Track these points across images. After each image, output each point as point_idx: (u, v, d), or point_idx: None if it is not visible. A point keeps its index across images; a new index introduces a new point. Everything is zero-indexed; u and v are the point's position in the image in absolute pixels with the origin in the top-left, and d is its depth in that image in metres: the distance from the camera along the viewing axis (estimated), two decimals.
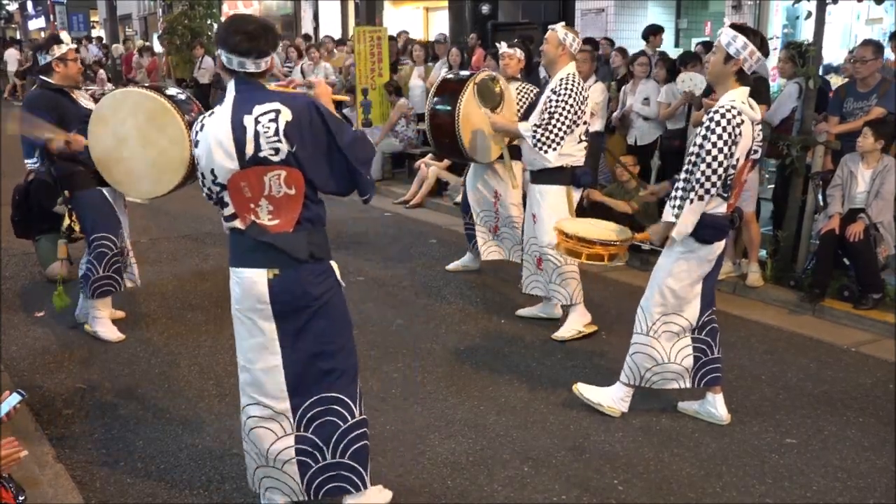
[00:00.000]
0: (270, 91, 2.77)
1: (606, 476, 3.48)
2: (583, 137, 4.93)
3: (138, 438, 3.77)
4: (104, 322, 4.92)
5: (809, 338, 5.15)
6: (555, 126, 4.72)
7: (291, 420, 2.91)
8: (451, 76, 6.07)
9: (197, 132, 2.79)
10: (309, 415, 2.90)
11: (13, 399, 2.57)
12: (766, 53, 3.57)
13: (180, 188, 4.63)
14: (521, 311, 5.43)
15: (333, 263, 2.89)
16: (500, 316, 5.46)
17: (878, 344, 5.05)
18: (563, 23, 5.02)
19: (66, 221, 4.88)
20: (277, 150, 2.66)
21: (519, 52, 5.87)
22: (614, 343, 4.88)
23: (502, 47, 6.01)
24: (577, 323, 5.08)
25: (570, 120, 4.73)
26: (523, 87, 5.90)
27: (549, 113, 4.73)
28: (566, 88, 4.73)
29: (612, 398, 4.01)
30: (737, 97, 3.54)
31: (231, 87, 2.77)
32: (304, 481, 2.96)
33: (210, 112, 2.81)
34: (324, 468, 2.94)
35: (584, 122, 4.90)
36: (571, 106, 4.72)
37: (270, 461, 2.96)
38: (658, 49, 8.49)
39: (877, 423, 4.00)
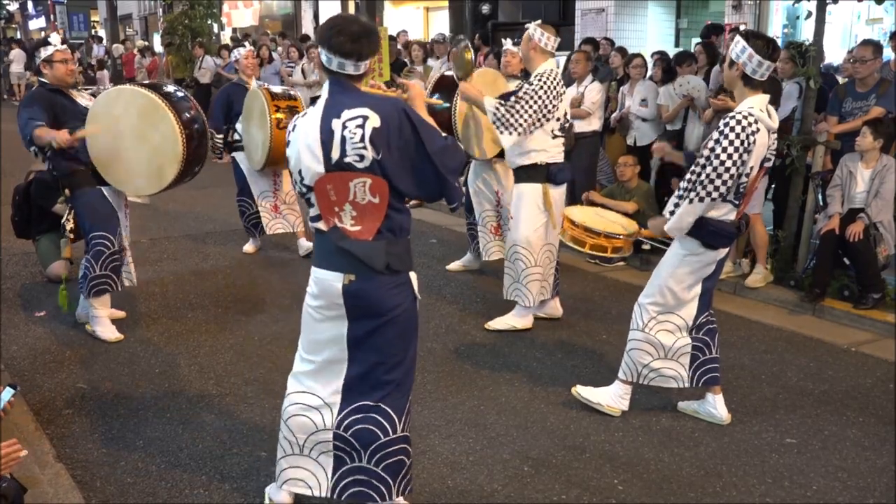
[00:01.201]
0: (362, 94, 2.74)
1: (606, 476, 3.49)
2: (556, 133, 4.91)
3: (138, 438, 3.77)
4: (102, 321, 4.92)
5: (809, 337, 5.15)
6: (518, 111, 4.70)
7: (333, 417, 2.89)
8: (448, 73, 6.08)
9: (289, 132, 2.80)
10: (351, 418, 2.87)
11: (6, 394, 2.55)
12: (773, 59, 3.55)
13: (177, 185, 4.63)
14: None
15: (412, 275, 2.85)
16: (500, 315, 5.45)
17: (877, 344, 5.05)
18: (539, 21, 5.00)
19: (66, 221, 4.90)
20: (362, 157, 2.64)
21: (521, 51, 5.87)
22: (614, 343, 4.88)
23: (507, 44, 6.02)
24: (515, 322, 5.13)
25: (536, 111, 4.71)
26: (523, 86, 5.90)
27: (517, 97, 4.73)
28: (539, 80, 4.75)
29: (612, 397, 4.01)
30: (755, 104, 3.53)
31: (325, 88, 2.78)
32: (335, 477, 2.94)
33: (303, 113, 2.81)
34: (357, 470, 2.91)
35: (557, 119, 4.88)
36: (541, 98, 4.71)
37: (306, 450, 2.95)
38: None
39: (877, 422, 4.00)
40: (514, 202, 5.11)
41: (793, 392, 4.34)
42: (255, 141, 6.26)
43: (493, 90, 5.28)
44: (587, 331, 5.22)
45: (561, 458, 3.63)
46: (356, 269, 2.73)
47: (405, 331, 2.85)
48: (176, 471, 3.49)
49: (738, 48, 3.55)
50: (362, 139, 2.63)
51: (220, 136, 6.62)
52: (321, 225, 2.79)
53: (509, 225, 5.27)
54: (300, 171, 2.75)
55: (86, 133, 4.45)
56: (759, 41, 3.55)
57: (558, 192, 5.06)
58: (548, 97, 4.74)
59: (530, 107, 4.71)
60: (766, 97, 3.62)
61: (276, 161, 6.10)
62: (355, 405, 2.87)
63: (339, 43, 2.67)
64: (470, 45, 5.46)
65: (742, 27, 8.94)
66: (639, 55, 7.91)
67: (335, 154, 2.66)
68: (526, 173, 4.98)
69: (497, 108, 4.74)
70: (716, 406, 3.95)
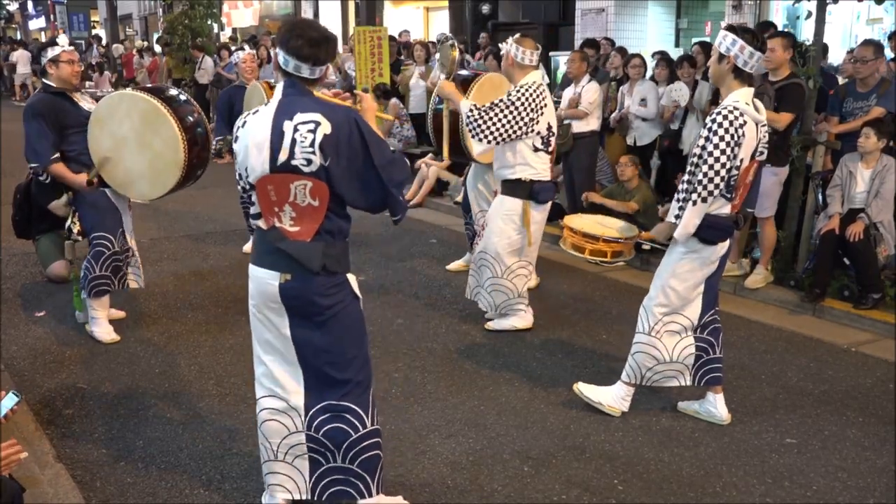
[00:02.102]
0: (316, 100, 2.76)
1: (606, 476, 3.49)
2: (538, 147, 4.83)
3: (138, 438, 3.77)
4: (100, 322, 4.92)
5: (809, 337, 5.15)
6: (491, 118, 4.66)
7: (302, 418, 2.91)
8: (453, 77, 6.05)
9: (238, 128, 2.81)
10: (319, 419, 2.89)
11: (9, 401, 2.55)
12: (761, 49, 3.57)
13: (179, 190, 4.63)
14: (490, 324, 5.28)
15: (350, 276, 2.88)
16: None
17: (877, 344, 5.05)
18: (517, 35, 4.94)
19: (69, 222, 4.90)
20: (309, 161, 2.66)
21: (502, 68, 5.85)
22: (614, 343, 4.89)
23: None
24: (516, 322, 5.12)
25: (510, 121, 4.66)
26: None
27: (493, 104, 4.70)
28: (517, 92, 4.71)
29: (613, 397, 4.01)
30: (740, 98, 3.54)
31: (279, 88, 2.79)
32: (313, 479, 2.96)
33: (255, 111, 2.83)
34: (332, 470, 2.94)
35: (539, 133, 4.79)
36: (517, 108, 4.66)
37: (280, 455, 2.96)
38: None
39: (877, 422, 4.00)
40: (491, 210, 5.09)
41: (793, 392, 4.34)
42: None
43: (498, 95, 5.27)
44: (587, 331, 5.21)
45: (561, 458, 3.63)
46: (293, 268, 2.76)
47: (350, 328, 2.88)
48: (176, 471, 3.49)
49: (727, 41, 3.55)
50: (312, 144, 2.65)
51: (228, 137, 6.62)
52: (261, 223, 2.82)
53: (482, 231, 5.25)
54: (246, 168, 2.77)
55: (100, 172, 4.54)
56: (747, 34, 3.57)
57: (539, 212, 4.98)
58: (525, 109, 4.68)
59: (504, 116, 4.66)
60: (751, 90, 3.62)
61: None
62: (321, 405, 2.89)
63: (296, 46, 2.69)
64: (456, 43, 5.41)
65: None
66: (637, 55, 7.92)
67: (283, 156, 2.68)
68: (509, 187, 4.94)
69: (471, 112, 4.70)
70: (716, 405, 3.95)
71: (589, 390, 4.08)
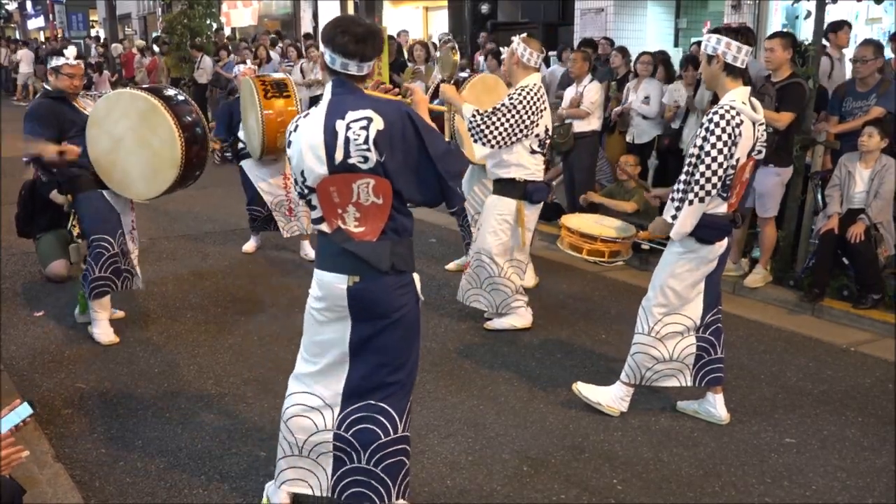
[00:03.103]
0: (366, 96, 2.74)
1: (605, 475, 3.49)
2: (535, 149, 4.86)
3: (138, 438, 3.77)
4: (100, 323, 4.91)
5: (809, 337, 5.15)
6: (493, 122, 4.68)
7: (335, 418, 2.89)
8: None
9: (290, 132, 2.78)
10: (352, 417, 2.87)
11: (24, 411, 2.49)
12: (748, 43, 3.57)
13: (177, 189, 4.63)
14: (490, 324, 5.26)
15: (416, 276, 2.86)
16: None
17: (877, 344, 5.05)
18: (524, 34, 4.96)
19: (69, 224, 4.90)
20: (366, 159, 2.64)
21: (505, 65, 5.85)
22: (614, 343, 4.89)
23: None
24: (515, 321, 5.12)
25: (513, 125, 4.69)
26: None
27: (495, 108, 4.71)
28: (519, 95, 4.72)
29: (612, 397, 4.01)
30: (737, 97, 3.55)
31: (328, 88, 2.77)
32: (335, 477, 2.94)
33: (305, 113, 2.80)
34: (355, 470, 2.91)
35: (537, 135, 4.83)
36: (518, 112, 4.69)
37: (305, 451, 2.95)
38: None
39: (876, 422, 4.00)
40: (484, 212, 5.09)
41: (792, 392, 4.34)
42: (251, 129, 6.23)
43: (493, 97, 5.27)
44: (587, 331, 5.21)
45: (560, 457, 3.63)
46: (361, 270, 2.73)
47: (409, 332, 2.85)
48: (175, 471, 3.49)
49: (712, 42, 3.57)
50: (366, 141, 2.62)
51: (225, 143, 6.64)
52: (324, 227, 2.78)
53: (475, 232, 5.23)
54: (302, 172, 2.74)
55: (68, 148, 4.50)
56: (731, 31, 3.58)
57: (532, 212, 5.02)
58: (526, 112, 4.71)
59: (507, 120, 4.68)
60: (748, 89, 3.62)
61: (273, 141, 5.99)
62: (357, 405, 2.87)
63: (343, 43, 2.66)
64: (456, 46, 5.39)
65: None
66: (646, 53, 7.91)
67: (339, 155, 2.65)
68: (502, 187, 4.95)
69: (474, 117, 4.71)
70: (715, 405, 3.95)
71: (588, 390, 4.08)
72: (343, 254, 2.73)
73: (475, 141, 4.73)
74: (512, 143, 4.77)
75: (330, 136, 2.66)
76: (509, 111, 4.68)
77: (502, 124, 4.68)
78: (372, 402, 2.86)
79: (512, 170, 4.88)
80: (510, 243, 4.99)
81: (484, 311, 5.23)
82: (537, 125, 4.79)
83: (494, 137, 4.70)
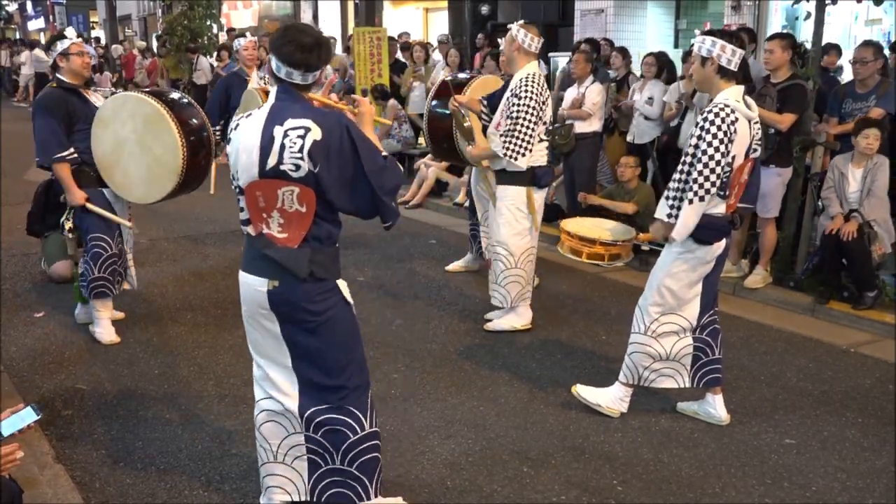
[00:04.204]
0: (308, 106, 2.75)
1: (605, 476, 3.49)
2: (542, 137, 4.92)
3: (138, 439, 3.77)
4: (102, 322, 4.92)
5: (809, 338, 5.15)
6: (520, 132, 4.73)
7: (299, 421, 2.91)
8: (450, 78, 6.06)
9: (231, 130, 2.81)
10: (317, 420, 2.89)
11: (28, 415, 2.49)
12: (742, 46, 3.58)
13: (176, 196, 4.64)
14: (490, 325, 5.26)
15: (341, 282, 2.86)
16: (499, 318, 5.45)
17: (877, 344, 5.05)
18: (522, 21, 5.01)
19: (63, 218, 4.90)
20: (298, 167, 2.65)
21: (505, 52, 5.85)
22: (614, 343, 4.88)
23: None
24: (515, 321, 5.13)
25: (533, 123, 4.73)
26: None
27: (513, 120, 4.74)
28: (525, 90, 4.74)
29: (612, 398, 4.01)
30: (730, 96, 3.55)
31: (273, 93, 2.78)
32: (311, 480, 2.96)
33: (248, 113, 2.82)
34: (331, 472, 2.93)
35: (545, 123, 4.88)
36: (533, 108, 4.72)
37: (280, 457, 2.96)
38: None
39: (876, 423, 4.00)
40: (497, 204, 5.10)
41: (792, 393, 4.34)
42: None
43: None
44: (586, 331, 5.21)
45: (560, 458, 3.63)
46: (280, 275, 2.75)
47: (341, 335, 2.86)
48: (175, 471, 3.49)
49: (707, 45, 3.58)
50: (301, 150, 2.64)
51: (217, 128, 6.59)
52: (250, 229, 2.81)
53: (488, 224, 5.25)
54: (236, 172, 2.77)
55: (100, 212, 4.64)
56: (724, 35, 3.61)
57: (541, 196, 5.08)
58: (537, 104, 4.75)
59: (528, 121, 4.72)
60: (741, 88, 3.63)
61: None
62: (318, 407, 2.88)
63: (288, 52, 2.68)
64: (468, 115, 5.41)
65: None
66: (650, 54, 7.91)
67: (272, 160, 2.67)
68: (510, 176, 4.97)
69: (504, 144, 4.77)
70: (715, 406, 3.95)
71: (587, 392, 4.07)
72: (264, 258, 2.76)
73: (516, 158, 4.77)
74: (538, 140, 4.81)
75: (266, 140, 2.68)
76: (525, 112, 4.71)
77: (526, 128, 4.73)
78: (331, 404, 2.88)
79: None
80: (527, 231, 5.02)
81: (483, 310, 5.23)
82: (545, 112, 4.84)
83: (527, 143, 4.75)
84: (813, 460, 3.64)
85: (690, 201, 3.55)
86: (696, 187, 3.53)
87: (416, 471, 3.50)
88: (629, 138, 7.68)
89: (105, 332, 4.90)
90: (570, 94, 7.48)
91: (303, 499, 3.01)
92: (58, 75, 4.72)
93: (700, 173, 3.51)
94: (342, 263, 2.99)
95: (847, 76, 6.97)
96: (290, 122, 2.66)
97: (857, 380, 4.52)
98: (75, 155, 4.58)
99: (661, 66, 7.66)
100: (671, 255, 3.78)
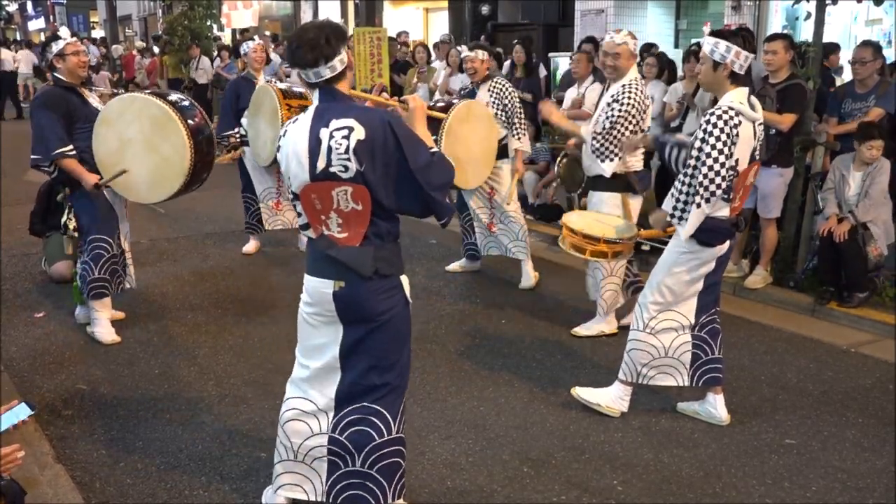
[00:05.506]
0: (350, 104, 2.75)
1: (606, 476, 3.49)
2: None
3: (138, 439, 3.77)
4: (102, 322, 4.92)
5: (809, 338, 5.15)
6: (615, 137, 4.65)
7: (329, 421, 2.91)
8: (441, 104, 5.87)
9: (280, 137, 2.82)
10: (347, 420, 2.89)
11: (22, 411, 2.49)
12: (751, 50, 3.58)
13: (179, 196, 4.64)
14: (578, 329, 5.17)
15: (404, 278, 2.87)
16: (500, 316, 5.46)
17: (877, 344, 5.05)
18: (625, 31, 4.88)
19: (65, 218, 4.90)
20: (346, 168, 2.65)
21: (482, 54, 5.81)
22: (614, 343, 4.88)
23: (464, 51, 5.97)
24: (605, 327, 5.07)
25: (629, 130, 4.65)
26: (495, 84, 5.79)
27: (612, 122, 4.65)
28: (628, 97, 4.64)
29: (611, 397, 4.01)
30: (735, 98, 3.55)
31: (315, 97, 2.79)
32: (329, 482, 2.96)
33: (294, 119, 2.83)
34: (350, 474, 2.92)
35: (642, 131, 4.75)
36: (633, 116, 4.64)
37: (300, 456, 2.96)
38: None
39: (876, 423, 4.00)
40: (593, 207, 4.99)
41: (792, 393, 4.34)
42: (263, 137, 6.18)
43: (467, 127, 5.24)
44: None
45: (560, 458, 3.63)
46: (345, 275, 2.75)
47: (398, 334, 2.87)
48: (175, 472, 3.49)
49: (721, 49, 3.55)
50: (347, 150, 2.64)
51: (234, 132, 6.57)
52: (310, 233, 2.82)
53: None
54: (289, 178, 2.79)
55: (110, 181, 4.55)
56: (737, 37, 3.59)
57: (637, 202, 4.93)
58: (638, 112, 4.66)
59: (626, 128, 4.64)
60: (746, 90, 3.62)
61: None
62: (351, 408, 2.89)
63: (301, 55, 2.68)
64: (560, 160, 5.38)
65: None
66: (651, 55, 7.90)
67: (321, 163, 2.68)
68: (604, 182, 4.83)
69: (595, 139, 4.69)
70: (716, 406, 3.95)
71: (587, 393, 4.07)
72: (327, 259, 2.76)
73: (602, 160, 4.70)
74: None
75: (314, 143, 2.68)
76: (625, 118, 4.62)
77: (622, 134, 4.64)
78: (366, 404, 2.87)
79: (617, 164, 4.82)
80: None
81: (483, 310, 5.22)
82: (644, 121, 4.74)
83: (619, 149, 4.67)
84: (813, 460, 3.64)
85: (698, 205, 3.55)
86: (701, 190, 3.53)
87: (417, 471, 3.50)
88: None
89: (105, 331, 4.91)
90: (571, 94, 7.47)
91: (319, 499, 3.00)
92: (56, 75, 4.72)
93: (705, 176, 3.51)
94: None
95: (847, 76, 6.96)
96: (334, 123, 2.67)
97: (858, 380, 4.52)
98: (74, 153, 4.57)
99: (662, 67, 7.66)
100: (674, 254, 3.78)
